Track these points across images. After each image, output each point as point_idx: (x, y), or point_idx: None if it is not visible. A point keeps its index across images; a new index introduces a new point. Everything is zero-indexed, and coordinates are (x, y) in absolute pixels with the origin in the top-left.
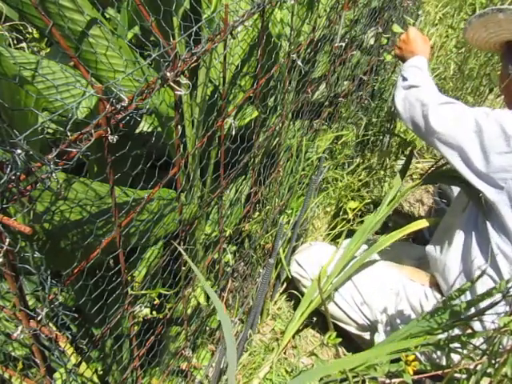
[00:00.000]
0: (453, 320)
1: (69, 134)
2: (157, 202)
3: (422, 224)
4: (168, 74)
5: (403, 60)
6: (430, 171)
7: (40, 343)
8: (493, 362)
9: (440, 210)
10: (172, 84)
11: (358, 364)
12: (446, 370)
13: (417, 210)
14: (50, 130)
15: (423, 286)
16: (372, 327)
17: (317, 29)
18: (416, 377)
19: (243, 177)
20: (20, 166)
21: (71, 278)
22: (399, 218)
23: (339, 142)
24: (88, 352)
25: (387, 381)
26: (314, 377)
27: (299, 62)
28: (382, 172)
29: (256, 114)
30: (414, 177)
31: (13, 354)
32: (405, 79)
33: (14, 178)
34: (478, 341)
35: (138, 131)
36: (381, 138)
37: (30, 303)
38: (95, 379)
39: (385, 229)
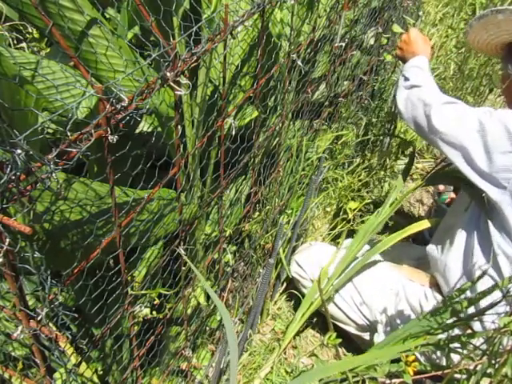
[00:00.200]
0: (453, 320)
1: (69, 133)
2: (157, 201)
3: (424, 225)
4: (168, 74)
5: (404, 61)
6: (432, 172)
7: (40, 343)
8: (493, 362)
9: (440, 209)
10: (172, 84)
11: (358, 365)
12: (445, 371)
13: (417, 209)
14: (50, 130)
15: (423, 287)
16: (371, 327)
17: (317, 29)
18: (416, 377)
19: (243, 177)
20: (20, 166)
21: (71, 278)
22: (399, 217)
23: (339, 142)
24: (88, 352)
25: (387, 381)
26: (314, 377)
27: (299, 62)
28: (382, 172)
29: (256, 114)
30: (415, 177)
31: (13, 354)
32: (406, 79)
33: (13, 178)
34: (478, 341)
35: (138, 131)
36: (381, 138)
37: (30, 303)
38: (95, 379)
39: (385, 229)
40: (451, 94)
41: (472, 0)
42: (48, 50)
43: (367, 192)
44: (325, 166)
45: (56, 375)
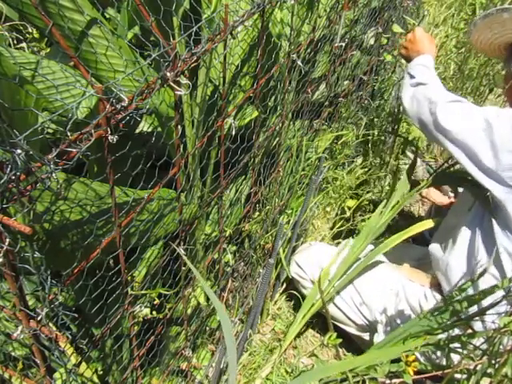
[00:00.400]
0: (453, 320)
1: (69, 133)
2: (157, 201)
3: (426, 225)
4: (168, 74)
5: (409, 60)
6: (436, 173)
7: (40, 343)
8: (493, 362)
9: (440, 209)
10: (172, 84)
11: (358, 365)
12: (446, 371)
13: (417, 209)
14: (50, 130)
15: (423, 287)
16: (371, 328)
17: (317, 29)
18: (416, 377)
19: (243, 177)
20: (20, 166)
21: (71, 278)
22: (399, 218)
23: (339, 142)
24: (88, 352)
25: (387, 381)
26: (314, 377)
27: (299, 62)
28: (383, 171)
29: (256, 114)
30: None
31: (13, 354)
32: (412, 77)
33: (13, 178)
34: (478, 341)
35: (138, 131)
36: (382, 138)
37: (30, 303)
38: (95, 379)
39: (385, 229)
40: None
41: (472, 0)
42: (48, 50)
43: (367, 192)
44: (325, 166)
45: (56, 375)
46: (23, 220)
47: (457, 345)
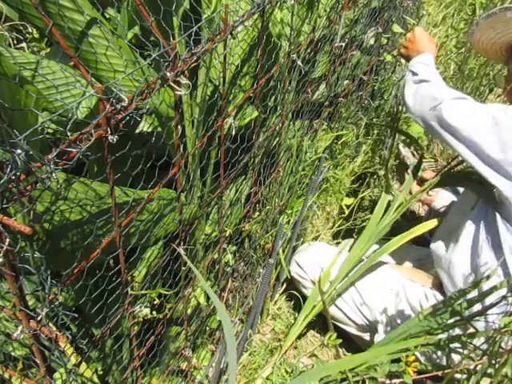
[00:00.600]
0: (454, 319)
1: (69, 133)
2: (157, 201)
3: (430, 225)
4: (168, 74)
5: (408, 59)
6: (440, 174)
7: (40, 343)
8: (493, 362)
9: (440, 209)
10: (172, 84)
11: (358, 364)
12: (446, 371)
13: (417, 209)
14: (50, 130)
15: (423, 287)
16: (372, 328)
17: (317, 29)
18: (416, 377)
19: (243, 177)
20: (20, 166)
21: (71, 278)
22: (400, 218)
23: (339, 142)
24: (88, 352)
25: (387, 381)
26: (314, 377)
27: (299, 62)
28: (383, 171)
29: (256, 113)
30: None
31: (13, 354)
32: (415, 74)
33: (13, 178)
34: (478, 341)
35: (138, 131)
36: (382, 138)
37: (30, 303)
38: (95, 379)
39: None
40: None
41: (472, 0)
42: (48, 50)
43: (363, 191)
44: (325, 166)
45: (56, 375)
46: (23, 220)
47: (457, 345)
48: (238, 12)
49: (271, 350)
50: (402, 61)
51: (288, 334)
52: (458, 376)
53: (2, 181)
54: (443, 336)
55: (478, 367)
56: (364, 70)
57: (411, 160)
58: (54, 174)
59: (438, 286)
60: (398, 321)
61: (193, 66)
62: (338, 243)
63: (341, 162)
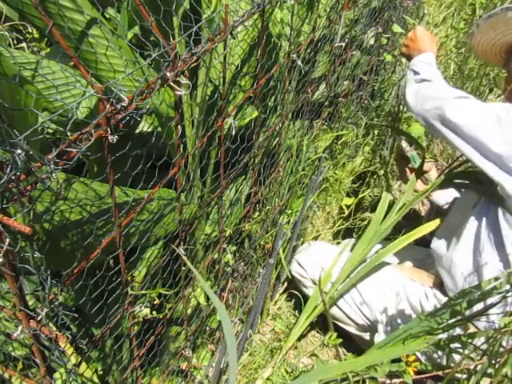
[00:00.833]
0: (455, 319)
1: (69, 133)
2: (157, 201)
3: (432, 226)
4: (168, 74)
5: (409, 58)
6: (442, 174)
7: (40, 343)
8: (493, 362)
9: (440, 209)
10: (172, 84)
11: (358, 366)
12: (446, 371)
13: (417, 209)
14: (50, 130)
15: (423, 286)
16: (372, 327)
17: (317, 29)
18: (417, 377)
19: (243, 177)
20: (20, 166)
21: (71, 278)
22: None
23: (339, 142)
24: (88, 352)
25: (387, 381)
26: (314, 378)
27: (299, 62)
28: (383, 171)
29: (256, 113)
30: None
31: (13, 354)
32: (416, 73)
33: (13, 178)
34: (478, 341)
35: (138, 131)
36: (383, 138)
37: (30, 303)
38: (95, 379)
39: None
40: None
41: (472, 0)
42: (48, 50)
43: (363, 191)
44: (325, 166)
45: (56, 375)
46: (23, 220)
47: (457, 345)
48: (237, 12)
49: (271, 350)
50: (403, 60)
51: (289, 334)
52: (458, 376)
53: (2, 181)
54: (443, 336)
55: (478, 367)
56: (364, 70)
57: (411, 152)
58: (54, 174)
59: (439, 285)
60: (399, 320)
61: (193, 65)
62: (338, 243)
63: (341, 161)
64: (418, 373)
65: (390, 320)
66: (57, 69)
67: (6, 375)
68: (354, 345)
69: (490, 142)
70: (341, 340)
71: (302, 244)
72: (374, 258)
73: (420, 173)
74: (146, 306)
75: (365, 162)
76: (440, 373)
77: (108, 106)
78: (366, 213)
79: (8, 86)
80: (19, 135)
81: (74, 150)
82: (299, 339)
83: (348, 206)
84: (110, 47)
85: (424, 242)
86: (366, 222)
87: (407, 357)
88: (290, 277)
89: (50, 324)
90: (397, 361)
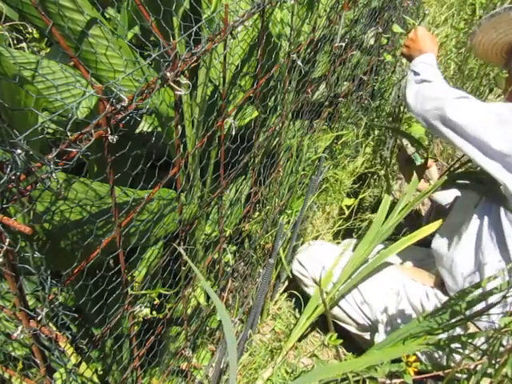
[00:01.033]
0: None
1: (69, 133)
2: (157, 201)
3: (434, 227)
4: (168, 74)
5: (410, 58)
6: (445, 175)
7: (40, 343)
8: (493, 362)
9: (440, 208)
10: (172, 84)
11: (359, 367)
12: (446, 371)
13: (417, 209)
14: (50, 130)
15: (424, 286)
16: (372, 327)
17: (317, 29)
18: (417, 377)
19: (243, 177)
20: (20, 166)
21: (71, 278)
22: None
23: (339, 142)
24: (88, 352)
25: (388, 381)
26: (315, 378)
27: (299, 62)
28: (383, 171)
29: (256, 113)
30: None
31: (13, 354)
32: (416, 74)
33: (14, 178)
34: (479, 341)
35: (138, 131)
36: (383, 138)
37: (30, 303)
38: (95, 379)
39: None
40: None
41: (472, 0)
42: (48, 50)
43: (364, 192)
44: (325, 166)
45: (56, 375)
46: (23, 220)
47: (457, 345)
48: (238, 12)
49: (271, 350)
50: (403, 61)
51: (289, 335)
52: (458, 375)
53: (2, 181)
54: (444, 336)
55: (478, 367)
56: (364, 69)
57: (412, 149)
58: (54, 174)
59: (440, 285)
60: (399, 320)
61: (193, 65)
62: (338, 243)
63: (341, 162)
64: (418, 373)
65: (391, 320)
66: (57, 69)
67: (6, 375)
68: (354, 345)
69: (492, 141)
70: (341, 340)
71: (302, 244)
72: (376, 259)
73: (422, 172)
74: (146, 306)
75: (366, 163)
76: (440, 373)
77: (108, 106)
78: (366, 213)
79: (8, 86)
80: (19, 135)
81: (74, 150)
82: (299, 339)
83: (348, 207)
84: (110, 47)
85: (424, 242)
86: (366, 223)
87: (407, 357)
88: (290, 277)
89: (50, 324)
90: (397, 361)
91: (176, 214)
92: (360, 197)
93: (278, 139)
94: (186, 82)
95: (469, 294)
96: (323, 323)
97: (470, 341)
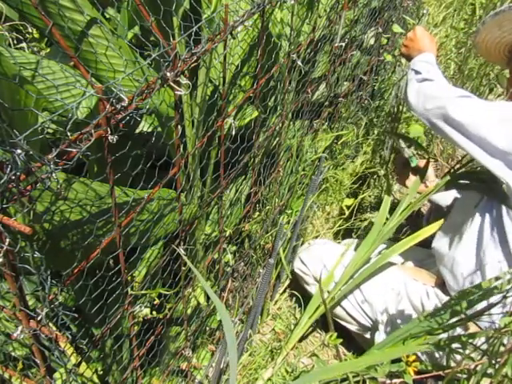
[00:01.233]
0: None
1: (69, 134)
2: (157, 202)
3: (435, 227)
4: (168, 74)
5: (409, 58)
6: (447, 175)
7: (40, 343)
8: (493, 362)
9: (440, 208)
10: (172, 84)
11: (359, 367)
12: (446, 371)
13: (417, 209)
14: (50, 130)
15: (425, 286)
16: (373, 326)
17: (317, 29)
18: (417, 377)
19: (243, 177)
20: (20, 166)
21: (71, 278)
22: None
23: (339, 142)
24: (88, 352)
25: (388, 381)
26: (315, 378)
27: (299, 62)
28: (383, 171)
29: (256, 114)
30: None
31: (13, 354)
32: (417, 72)
33: (14, 177)
34: (479, 341)
35: (138, 131)
36: (383, 138)
37: (30, 303)
38: (95, 379)
39: None
40: None
41: (472, 0)
42: (48, 50)
43: (363, 192)
44: (325, 166)
45: (56, 375)
46: (23, 220)
47: (458, 345)
48: (238, 12)
49: (271, 350)
50: (403, 61)
51: (290, 335)
52: (458, 375)
53: (2, 181)
54: (444, 336)
55: (478, 367)
56: (364, 70)
57: (408, 152)
58: (54, 174)
59: (441, 284)
60: (400, 319)
61: (193, 65)
62: (338, 243)
63: (341, 162)
64: (418, 373)
65: (391, 319)
66: (57, 69)
67: (6, 375)
68: (355, 344)
69: (495, 139)
70: (341, 340)
71: (301, 244)
72: (378, 260)
73: (424, 173)
74: (145, 306)
75: (365, 163)
76: (440, 373)
77: (108, 106)
78: (366, 213)
79: (8, 86)
80: (19, 135)
81: (74, 150)
82: (300, 339)
83: (348, 207)
84: (109, 47)
85: (424, 243)
86: (366, 223)
87: (407, 357)
88: (290, 277)
89: (50, 324)
90: (397, 361)
91: (176, 214)
92: (360, 197)
93: (278, 139)
94: (185, 82)
95: (468, 295)
96: (323, 323)
97: (470, 341)
